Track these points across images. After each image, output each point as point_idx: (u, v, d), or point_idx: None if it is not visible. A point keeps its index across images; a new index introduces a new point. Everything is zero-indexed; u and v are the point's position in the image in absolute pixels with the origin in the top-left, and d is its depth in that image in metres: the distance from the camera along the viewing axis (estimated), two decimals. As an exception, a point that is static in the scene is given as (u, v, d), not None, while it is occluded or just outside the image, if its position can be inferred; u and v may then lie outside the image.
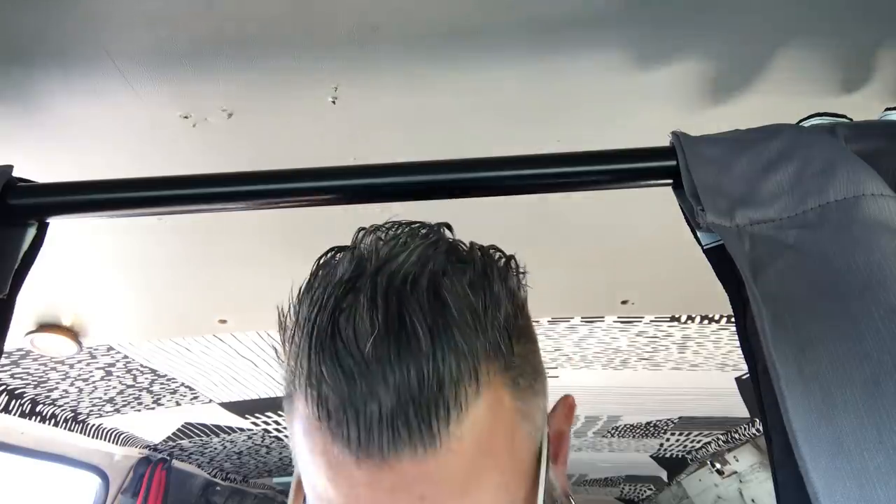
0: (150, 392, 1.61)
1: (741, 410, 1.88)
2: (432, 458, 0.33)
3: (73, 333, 1.19)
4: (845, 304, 0.38)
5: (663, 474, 2.98)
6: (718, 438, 2.30)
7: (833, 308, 0.38)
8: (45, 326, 1.15)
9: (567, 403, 0.45)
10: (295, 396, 0.38)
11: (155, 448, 2.09)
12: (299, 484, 0.40)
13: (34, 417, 1.55)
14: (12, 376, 1.39)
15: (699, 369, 1.57)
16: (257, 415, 1.89)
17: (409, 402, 0.32)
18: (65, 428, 1.67)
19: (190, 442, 2.10)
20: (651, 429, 2.24)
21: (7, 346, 1.21)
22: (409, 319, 0.33)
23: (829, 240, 0.41)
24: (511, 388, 0.37)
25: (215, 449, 2.23)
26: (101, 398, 1.60)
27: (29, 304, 1.07)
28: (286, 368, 0.39)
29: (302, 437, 0.37)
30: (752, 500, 2.45)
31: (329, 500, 0.35)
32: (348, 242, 0.41)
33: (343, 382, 0.33)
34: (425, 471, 0.33)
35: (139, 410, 1.72)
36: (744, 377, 1.61)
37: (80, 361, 1.37)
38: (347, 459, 0.34)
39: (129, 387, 1.55)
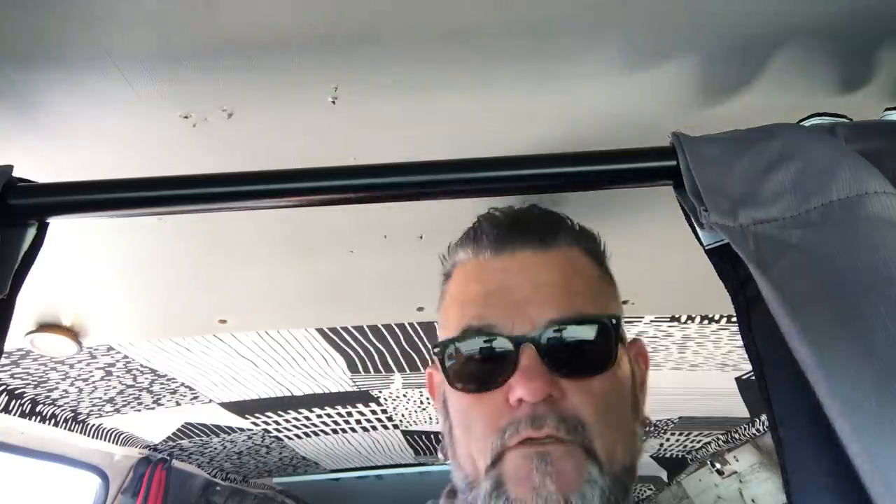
0: (150, 392, 1.61)
1: (741, 410, 1.88)
2: (541, 254, 0.56)
3: (73, 333, 1.19)
4: (852, 303, 0.38)
5: (663, 474, 2.98)
6: (718, 438, 2.30)
7: (840, 306, 0.38)
8: (45, 326, 1.15)
9: (641, 347, 0.64)
10: (457, 260, 0.61)
11: (155, 448, 2.09)
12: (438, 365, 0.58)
13: (34, 417, 1.55)
14: (12, 376, 1.39)
15: (699, 369, 1.57)
16: (257, 415, 1.89)
17: (530, 225, 0.58)
18: (65, 428, 1.67)
19: (190, 442, 2.10)
20: (651, 429, 2.24)
21: (7, 346, 1.21)
22: (534, 210, 0.60)
23: (833, 239, 0.41)
24: (599, 268, 0.60)
25: (215, 449, 2.22)
26: (101, 398, 1.60)
27: (29, 304, 1.07)
28: (448, 260, 0.62)
29: (461, 283, 0.59)
30: (753, 500, 2.45)
31: (475, 296, 0.56)
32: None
33: (493, 223, 0.59)
34: (537, 261, 0.56)
35: (139, 410, 1.72)
36: (744, 377, 1.61)
37: (80, 361, 1.37)
38: (489, 259, 0.57)
39: (129, 387, 1.55)
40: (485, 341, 0.53)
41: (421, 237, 0.92)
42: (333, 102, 0.66)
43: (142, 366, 1.43)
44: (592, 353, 0.53)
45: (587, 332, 0.53)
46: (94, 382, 1.49)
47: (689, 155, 0.48)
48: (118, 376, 1.48)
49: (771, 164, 0.46)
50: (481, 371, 0.53)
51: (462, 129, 0.71)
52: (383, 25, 0.57)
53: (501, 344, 0.52)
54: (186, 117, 0.67)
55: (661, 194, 0.53)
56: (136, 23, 0.55)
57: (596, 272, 0.59)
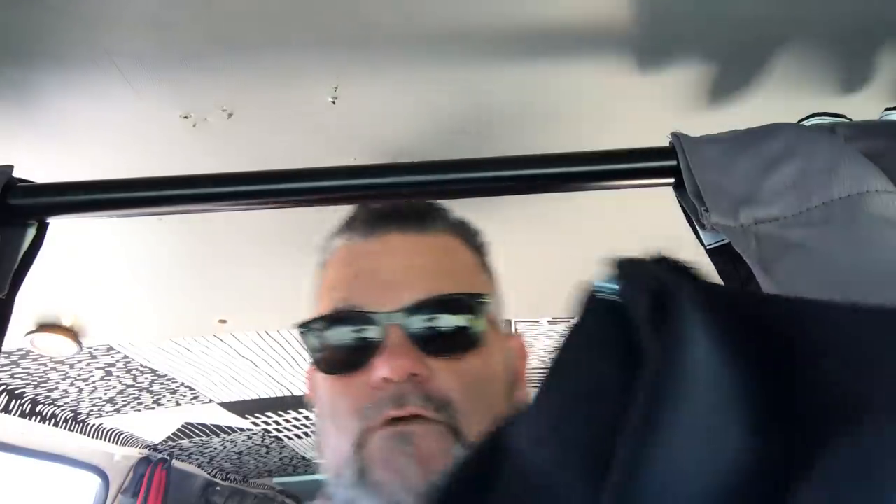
0: (150, 392, 1.61)
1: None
2: (414, 237, 0.55)
3: (73, 333, 1.19)
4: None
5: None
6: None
7: None
8: (45, 326, 1.15)
9: (521, 343, 0.62)
10: (331, 248, 0.59)
11: (155, 448, 2.09)
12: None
13: (34, 417, 1.55)
14: (12, 376, 1.39)
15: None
16: (257, 415, 1.89)
17: (404, 211, 0.56)
18: (65, 428, 1.67)
19: (190, 442, 2.10)
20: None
21: (7, 346, 1.21)
22: (412, 200, 0.58)
23: (836, 238, 0.41)
24: (476, 257, 0.59)
25: (215, 449, 2.23)
26: (101, 398, 1.60)
27: (29, 304, 1.07)
28: (325, 246, 0.60)
29: (331, 270, 0.57)
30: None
31: (344, 280, 0.54)
32: None
33: (367, 210, 0.57)
34: (408, 244, 0.55)
35: (139, 410, 1.72)
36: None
37: (80, 361, 1.37)
38: (360, 243, 0.56)
39: (129, 387, 1.55)
40: (350, 323, 0.51)
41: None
42: (333, 102, 0.66)
43: (142, 366, 1.43)
44: (461, 332, 0.51)
45: (455, 311, 0.52)
46: (94, 382, 1.49)
47: (690, 155, 0.48)
48: (118, 376, 1.48)
49: (772, 163, 0.46)
50: (347, 354, 0.51)
51: (462, 129, 0.71)
52: (383, 25, 0.57)
53: (367, 324, 0.50)
54: (186, 117, 0.67)
55: (661, 194, 0.53)
56: (136, 23, 0.55)
57: (472, 260, 0.58)
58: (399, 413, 0.47)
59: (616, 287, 0.25)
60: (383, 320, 0.50)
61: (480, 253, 0.61)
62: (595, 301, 0.25)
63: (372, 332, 0.50)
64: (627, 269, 0.25)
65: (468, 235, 0.60)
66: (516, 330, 1.37)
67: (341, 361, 0.52)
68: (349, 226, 0.58)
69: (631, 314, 0.22)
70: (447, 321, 0.51)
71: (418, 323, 0.50)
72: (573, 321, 0.25)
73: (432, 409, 0.48)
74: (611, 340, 0.23)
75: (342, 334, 0.52)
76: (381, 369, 0.48)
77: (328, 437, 0.53)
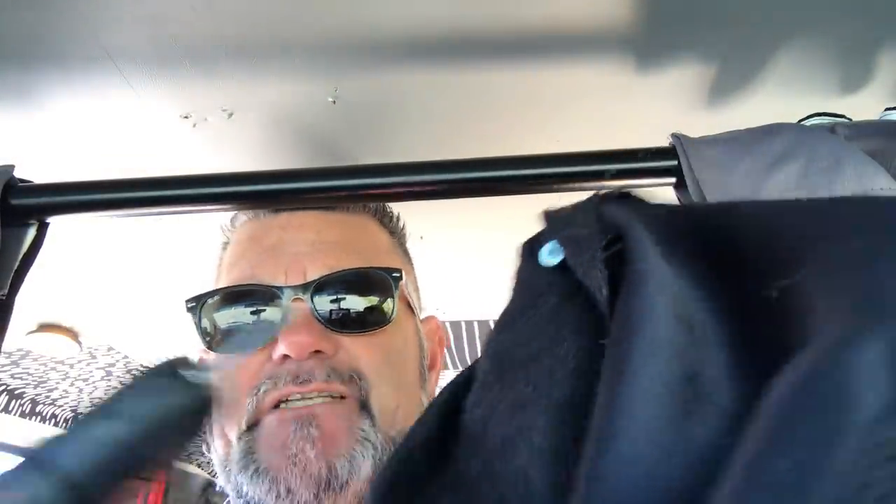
0: (150, 392, 1.61)
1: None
2: (324, 214, 0.54)
3: (73, 333, 1.19)
4: None
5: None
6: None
7: None
8: (45, 326, 1.15)
9: (438, 326, 0.62)
10: (236, 225, 0.57)
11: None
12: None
13: (34, 417, 1.55)
14: (12, 376, 1.39)
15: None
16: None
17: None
18: (65, 428, 1.66)
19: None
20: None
21: (7, 346, 1.20)
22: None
23: None
24: (390, 238, 0.58)
25: (215, 449, 2.23)
26: (101, 398, 1.60)
27: (29, 304, 1.07)
28: (228, 226, 0.58)
29: (236, 245, 0.55)
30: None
31: (249, 254, 0.52)
32: None
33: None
34: (319, 219, 0.53)
35: (139, 410, 1.72)
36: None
37: (80, 361, 1.37)
38: (268, 218, 0.54)
39: (129, 387, 1.55)
40: (251, 297, 0.48)
41: (421, 237, 0.92)
42: (333, 102, 0.66)
43: (142, 366, 1.43)
44: (368, 308, 0.49)
45: (362, 286, 0.49)
46: (94, 382, 1.49)
47: (690, 155, 0.48)
48: (118, 376, 1.48)
49: (773, 163, 0.46)
50: (246, 331, 0.48)
51: (462, 129, 0.71)
52: (383, 25, 0.57)
53: (269, 299, 0.47)
54: (186, 117, 0.67)
55: (661, 195, 0.53)
56: (137, 23, 0.55)
57: (385, 239, 0.57)
58: (302, 390, 0.44)
59: (558, 252, 0.24)
60: (287, 295, 0.47)
61: (395, 235, 0.59)
62: (540, 273, 0.25)
63: (274, 308, 0.47)
64: (567, 231, 0.25)
65: (383, 217, 0.58)
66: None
67: (238, 339, 0.49)
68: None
69: (581, 281, 0.22)
70: (353, 296, 0.49)
71: (324, 298, 0.48)
72: (519, 296, 0.25)
73: (338, 383, 0.45)
74: (563, 317, 0.23)
75: (240, 310, 0.48)
76: (282, 345, 0.45)
77: (216, 426, 0.50)
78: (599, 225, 0.23)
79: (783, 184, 0.44)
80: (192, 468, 2.39)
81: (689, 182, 0.47)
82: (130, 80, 0.61)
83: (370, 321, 0.49)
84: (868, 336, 0.14)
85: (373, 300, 0.50)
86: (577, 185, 0.52)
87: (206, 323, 0.50)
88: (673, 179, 0.50)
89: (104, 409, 0.30)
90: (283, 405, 0.45)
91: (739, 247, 0.20)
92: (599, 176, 0.51)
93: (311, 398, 0.45)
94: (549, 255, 0.25)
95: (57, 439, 0.29)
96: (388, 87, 0.65)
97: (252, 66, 0.61)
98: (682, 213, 0.24)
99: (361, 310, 0.49)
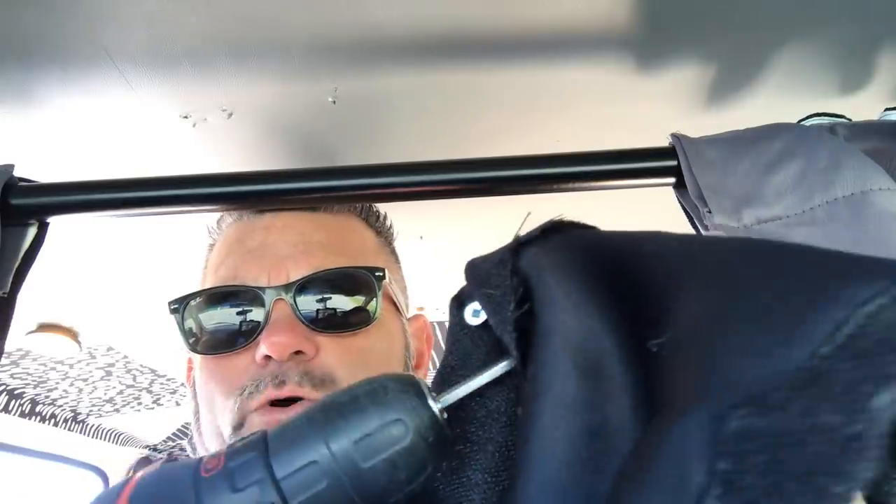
0: (150, 392, 1.61)
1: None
2: (310, 215, 0.54)
3: (73, 333, 1.19)
4: None
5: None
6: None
7: None
8: (45, 326, 1.15)
9: (425, 324, 0.62)
10: (222, 228, 0.58)
11: (155, 448, 2.08)
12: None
13: (34, 417, 1.55)
14: (12, 376, 1.39)
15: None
16: (257, 415, 1.89)
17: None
18: (64, 428, 1.67)
19: (190, 442, 2.10)
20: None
21: (7, 346, 1.20)
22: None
23: (839, 236, 0.41)
24: (376, 237, 0.58)
25: (215, 449, 2.22)
26: (100, 398, 1.60)
27: (29, 304, 1.07)
28: (214, 228, 0.59)
29: (222, 248, 0.55)
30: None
31: (233, 256, 0.52)
32: None
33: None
34: (303, 220, 0.53)
35: (139, 410, 1.72)
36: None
37: (79, 361, 1.37)
38: (253, 220, 0.55)
39: (128, 387, 1.55)
40: (234, 298, 0.48)
41: (421, 237, 0.92)
42: (333, 102, 0.66)
43: (142, 366, 1.43)
44: (352, 308, 0.49)
45: (345, 286, 0.49)
46: (93, 382, 1.49)
47: (690, 156, 0.48)
48: (118, 376, 1.47)
49: (773, 163, 0.46)
50: (230, 332, 0.48)
51: (462, 129, 0.71)
52: (383, 25, 0.57)
53: (252, 300, 0.48)
54: (186, 117, 0.67)
55: (662, 195, 0.53)
56: (136, 22, 0.55)
57: (371, 238, 0.57)
58: (278, 394, 0.45)
59: (479, 312, 0.25)
60: (270, 296, 0.47)
61: (382, 235, 0.59)
62: (467, 330, 0.26)
63: (257, 309, 0.48)
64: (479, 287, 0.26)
65: (369, 217, 0.58)
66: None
67: (222, 340, 0.48)
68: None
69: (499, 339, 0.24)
70: (336, 296, 0.49)
71: (307, 298, 0.48)
72: (451, 354, 0.26)
73: (311, 386, 0.45)
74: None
75: (224, 311, 0.49)
76: (263, 346, 0.45)
77: (205, 426, 0.49)
78: (513, 280, 0.24)
79: (782, 184, 0.44)
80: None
81: (688, 182, 0.47)
82: (130, 80, 0.61)
83: (353, 321, 0.49)
84: (698, 415, 0.16)
85: (356, 300, 0.50)
86: (577, 185, 0.52)
87: (189, 324, 0.50)
88: (672, 179, 0.50)
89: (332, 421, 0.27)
90: (263, 408, 0.45)
91: (637, 292, 0.21)
92: (599, 176, 0.51)
93: (286, 404, 0.45)
94: (473, 315, 0.26)
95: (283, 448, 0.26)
96: (387, 88, 0.65)
97: (251, 66, 0.61)
98: (594, 248, 0.25)
99: (344, 310, 0.49)
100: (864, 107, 0.65)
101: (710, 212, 0.45)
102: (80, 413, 1.68)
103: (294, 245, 0.51)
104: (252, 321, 0.48)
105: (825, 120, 0.52)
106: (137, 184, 0.53)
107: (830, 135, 0.48)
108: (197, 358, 0.52)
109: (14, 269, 0.50)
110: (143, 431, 1.92)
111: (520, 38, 0.59)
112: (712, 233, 0.48)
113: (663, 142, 0.52)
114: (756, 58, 0.62)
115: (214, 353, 0.49)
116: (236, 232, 0.55)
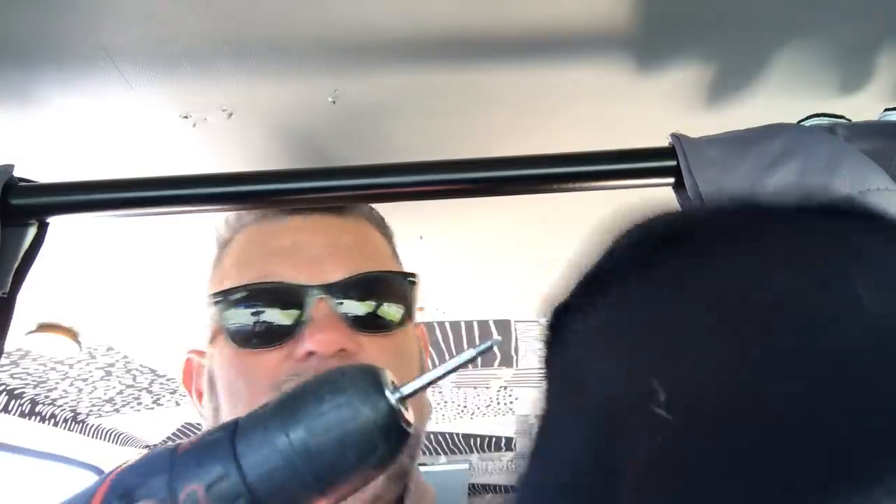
0: (150, 392, 1.61)
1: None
2: (335, 218, 0.55)
3: (72, 333, 1.19)
4: None
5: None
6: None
7: None
8: (44, 326, 1.15)
9: (424, 333, 0.62)
10: (240, 225, 0.57)
11: (155, 448, 2.08)
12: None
13: (34, 417, 1.55)
14: (12, 376, 1.39)
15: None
16: (257, 415, 1.89)
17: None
18: (64, 428, 1.66)
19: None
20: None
21: (7, 346, 1.20)
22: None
23: None
24: (389, 246, 0.59)
25: (215, 449, 2.22)
26: (100, 398, 1.60)
27: (29, 304, 1.07)
28: (226, 228, 0.58)
29: (245, 245, 0.55)
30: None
31: (264, 254, 0.52)
32: None
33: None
34: (332, 223, 0.54)
35: (139, 410, 1.72)
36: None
37: (79, 361, 1.37)
38: (280, 221, 0.55)
39: (128, 387, 1.55)
40: (276, 295, 0.50)
41: (421, 237, 0.92)
42: (333, 102, 0.66)
43: (142, 366, 1.43)
44: (389, 308, 0.51)
45: (383, 288, 0.52)
46: (93, 382, 1.49)
47: (690, 155, 0.48)
48: (118, 376, 1.48)
49: (772, 163, 0.46)
50: (268, 327, 0.49)
51: (462, 129, 0.71)
52: (383, 25, 0.57)
53: (294, 298, 0.49)
54: (186, 117, 0.67)
55: (661, 195, 0.53)
56: (136, 22, 0.55)
57: (385, 245, 0.59)
58: None
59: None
60: (312, 294, 0.49)
61: (390, 241, 0.61)
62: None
63: (297, 306, 0.49)
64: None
65: (380, 224, 0.60)
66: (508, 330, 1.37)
67: (261, 335, 0.49)
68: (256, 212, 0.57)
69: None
70: (375, 298, 0.51)
71: (348, 298, 0.49)
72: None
73: None
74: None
75: (264, 307, 0.50)
76: (309, 342, 0.46)
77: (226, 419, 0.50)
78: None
79: (781, 184, 0.45)
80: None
81: (687, 182, 0.47)
82: (130, 80, 0.61)
83: (389, 323, 0.51)
84: None
85: (392, 303, 0.52)
86: (577, 185, 0.52)
87: (228, 317, 0.51)
88: (672, 179, 0.50)
89: (291, 410, 0.30)
90: None
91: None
92: (599, 176, 0.51)
93: None
94: None
95: (244, 433, 0.30)
96: (387, 88, 0.65)
97: (251, 67, 0.61)
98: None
99: (382, 312, 0.51)
100: (864, 107, 0.65)
101: None
102: (79, 413, 1.68)
103: (324, 246, 0.52)
104: (293, 318, 0.49)
105: (825, 120, 0.52)
106: (137, 184, 0.53)
107: (830, 135, 0.48)
108: (219, 354, 0.53)
109: (14, 269, 0.50)
110: (143, 431, 1.92)
111: (520, 38, 0.59)
112: None
113: (663, 142, 0.52)
114: (756, 58, 0.62)
115: (252, 347, 0.50)
116: (259, 233, 0.55)
